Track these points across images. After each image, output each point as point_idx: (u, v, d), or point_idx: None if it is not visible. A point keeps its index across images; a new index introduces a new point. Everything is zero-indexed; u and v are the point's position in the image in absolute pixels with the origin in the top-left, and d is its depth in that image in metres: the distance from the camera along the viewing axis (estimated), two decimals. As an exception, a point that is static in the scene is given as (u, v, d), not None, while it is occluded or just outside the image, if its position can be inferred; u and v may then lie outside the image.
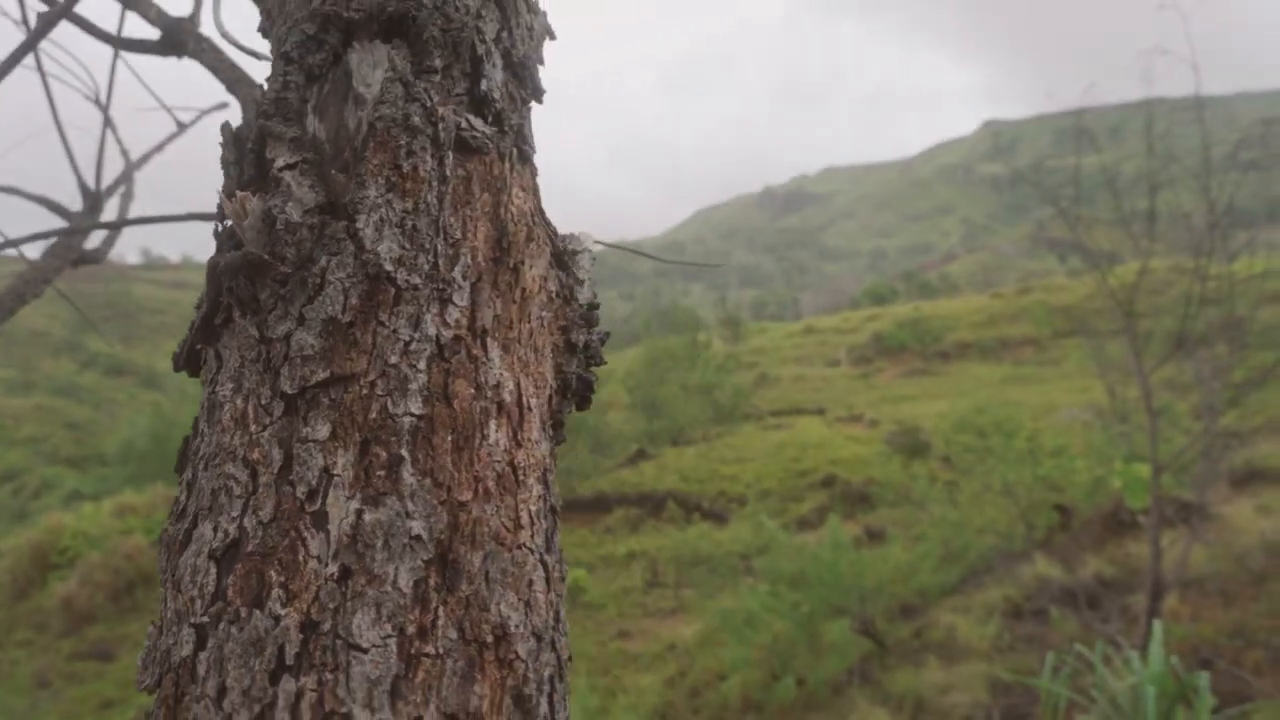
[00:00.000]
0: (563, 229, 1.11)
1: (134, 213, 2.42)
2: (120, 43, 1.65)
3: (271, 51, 1.03)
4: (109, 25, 1.81)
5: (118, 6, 1.69)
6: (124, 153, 2.46)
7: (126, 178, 2.42)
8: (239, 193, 0.87)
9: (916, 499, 15.10)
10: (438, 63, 0.95)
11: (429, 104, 0.92)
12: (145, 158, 2.47)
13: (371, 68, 0.91)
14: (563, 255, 1.07)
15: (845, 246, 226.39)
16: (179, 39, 1.72)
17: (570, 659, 0.94)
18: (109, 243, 2.35)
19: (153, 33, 1.72)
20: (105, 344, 63.80)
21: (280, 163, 0.89)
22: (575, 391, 1.06)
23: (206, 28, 1.74)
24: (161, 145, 2.40)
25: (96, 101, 2.26)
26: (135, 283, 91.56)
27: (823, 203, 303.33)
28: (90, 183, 2.24)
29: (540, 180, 1.09)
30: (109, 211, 2.37)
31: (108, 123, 2.23)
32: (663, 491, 24.37)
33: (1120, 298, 8.11)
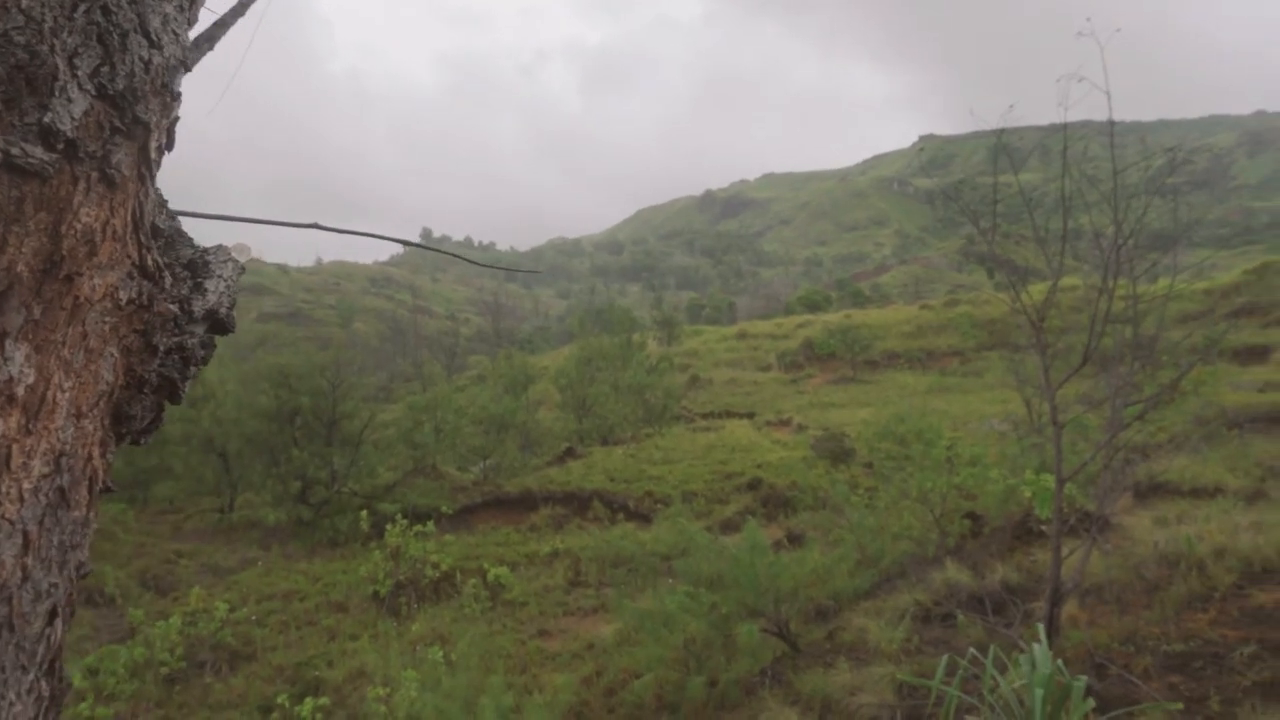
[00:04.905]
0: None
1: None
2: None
3: None
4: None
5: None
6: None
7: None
8: None
9: (835, 504, 15.37)
10: None
11: None
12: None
13: None
14: (151, 269, 1.25)
15: (781, 253, 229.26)
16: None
17: (72, 613, 1.12)
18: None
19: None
20: None
21: None
22: (157, 387, 1.26)
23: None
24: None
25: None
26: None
27: (761, 208, 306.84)
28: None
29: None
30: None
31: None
32: (589, 490, 24.32)
33: (1032, 314, 8.35)
